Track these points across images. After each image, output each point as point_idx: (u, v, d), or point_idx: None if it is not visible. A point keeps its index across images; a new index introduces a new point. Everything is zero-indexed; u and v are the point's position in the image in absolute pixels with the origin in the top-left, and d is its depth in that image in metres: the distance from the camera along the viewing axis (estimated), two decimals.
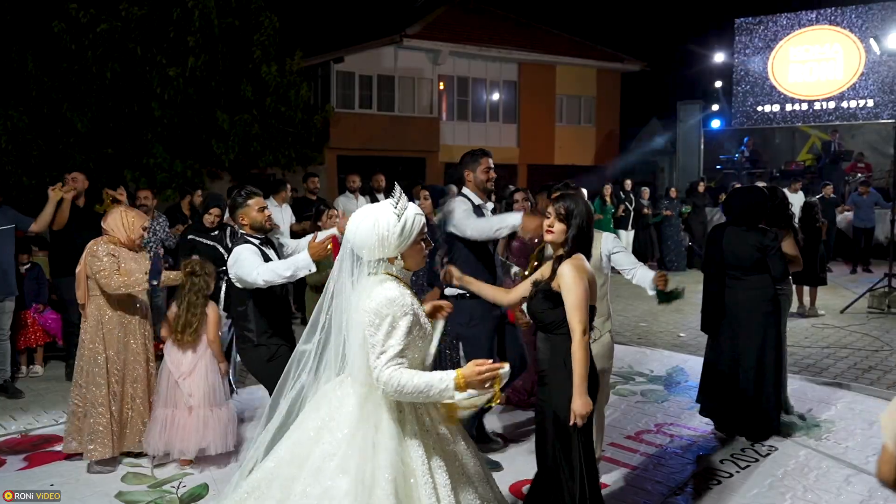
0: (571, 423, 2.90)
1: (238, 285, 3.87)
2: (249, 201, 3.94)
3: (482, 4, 23.19)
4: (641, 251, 13.11)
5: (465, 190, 4.40)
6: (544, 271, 3.12)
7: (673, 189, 14.13)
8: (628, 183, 13.42)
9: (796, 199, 11.89)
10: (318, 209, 5.82)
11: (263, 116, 11.84)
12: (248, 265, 3.73)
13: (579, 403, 2.88)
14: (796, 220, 5.81)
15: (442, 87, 21.20)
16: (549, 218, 3.06)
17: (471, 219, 4.20)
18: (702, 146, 20.02)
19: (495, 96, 22.32)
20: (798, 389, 5.76)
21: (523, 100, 22.40)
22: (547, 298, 3.01)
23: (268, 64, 11.67)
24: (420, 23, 20.38)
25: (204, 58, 11.16)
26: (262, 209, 4.00)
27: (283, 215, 8.39)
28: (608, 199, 12.72)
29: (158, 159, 10.81)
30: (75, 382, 4.40)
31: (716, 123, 20.37)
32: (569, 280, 2.92)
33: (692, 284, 6.79)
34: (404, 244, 2.41)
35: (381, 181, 9.91)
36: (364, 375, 2.38)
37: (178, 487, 4.11)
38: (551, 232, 3.04)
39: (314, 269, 3.67)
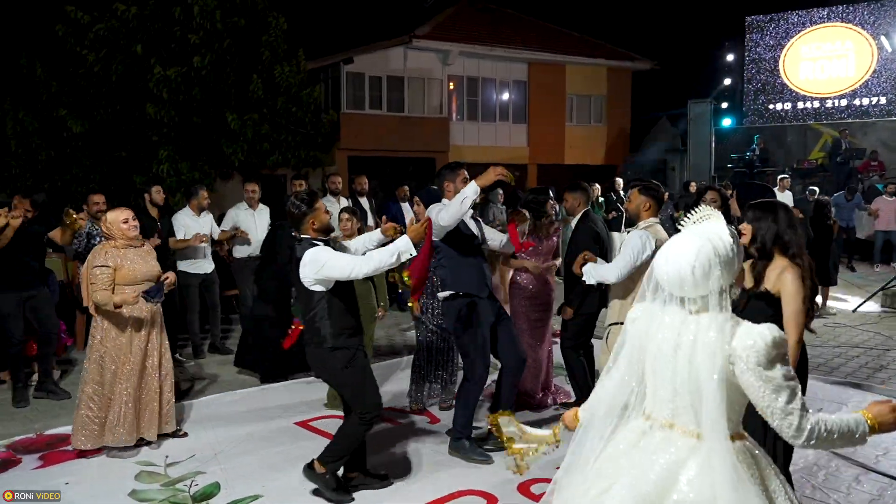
0: None
1: (318, 287, 3.76)
2: (317, 204, 3.88)
3: (491, 4, 23.19)
4: None
5: (444, 200, 4.56)
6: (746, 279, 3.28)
7: (666, 192, 14.06)
8: (619, 183, 13.24)
9: (785, 199, 11.92)
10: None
11: (273, 116, 11.84)
12: (340, 263, 3.69)
13: None
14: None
15: (452, 87, 21.23)
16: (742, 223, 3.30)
17: (441, 212, 4.30)
18: (713, 145, 19.96)
19: (505, 96, 22.32)
20: (809, 389, 5.72)
21: (533, 99, 22.39)
22: (769, 305, 3.13)
23: (280, 64, 11.66)
24: (429, 23, 20.43)
25: (210, 57, 11.12)
26: (328, 212, 3.98)
27: (200, 224, 7.15)
28: (595, 200, 12.58)
29: (165, 164, 10.75)
30: (89, 380, 4.56)
31: (727, 122, 20.29)
32: (791, 288, 3.08)
33: None
34: (737, 266, 2.15)
35: (363, 184, 9.21)
36: (723, 428, 2.06)
37: (191, 486, 4.16)
38: (744, 234, 3.26)
39: (415, 253, 3.75)
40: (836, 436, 1.99)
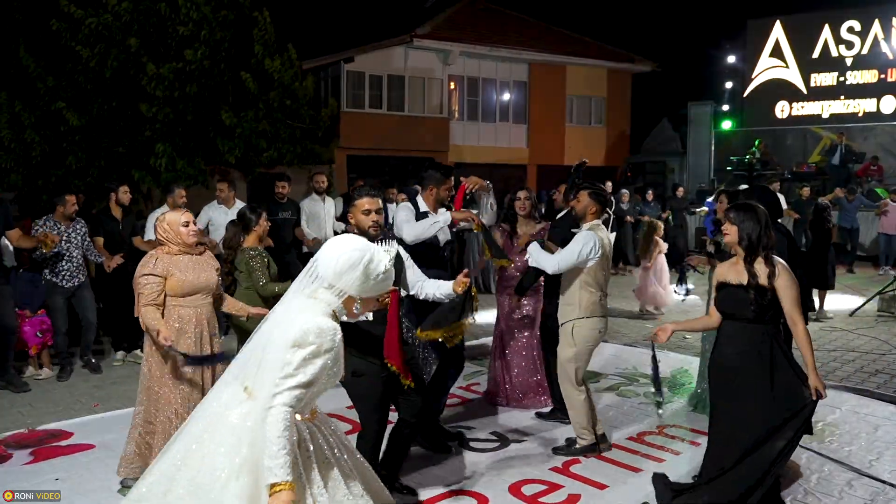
0: (815, 397, 3.42)
1: None
2: (357, 200, 3.59)
3: (492, 4, 23.18)
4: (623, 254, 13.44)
5: (418, 198, 4.60)
6: (726, 274, 3.49)
7: (650, 192, 14.18)
8: (609, 185, 13.24)
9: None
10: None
11: (269, 112, 11.77)
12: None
13: (819, 381, 3.43)
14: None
15: (452, 87, 21.22)
16: (725, 224, 3.52)
17: (408, 223, 4.32)
18: (712, 147, 19.94)
19: (505, 96, 22.31)
20: None
21: (533, 100, 22.38)
22: (760, 295, 3.35)
23: (271, 58, 11.59)
24: (430, 23, 20.42)
25: (203, 51, 11.04)
26: (369, 212, 3.55)
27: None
28: None
29: (162, 159, 10.67)
30: (139, 402, 4.04)
31: (727, 124, 20.29)
32: (788, 279, 3.36)
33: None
34: (373, 291, 2.48)
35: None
36: (264, 391, 2.29)
37: None
38: (728, 234, 3.47)
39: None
40: (274, 433, 2.20)
